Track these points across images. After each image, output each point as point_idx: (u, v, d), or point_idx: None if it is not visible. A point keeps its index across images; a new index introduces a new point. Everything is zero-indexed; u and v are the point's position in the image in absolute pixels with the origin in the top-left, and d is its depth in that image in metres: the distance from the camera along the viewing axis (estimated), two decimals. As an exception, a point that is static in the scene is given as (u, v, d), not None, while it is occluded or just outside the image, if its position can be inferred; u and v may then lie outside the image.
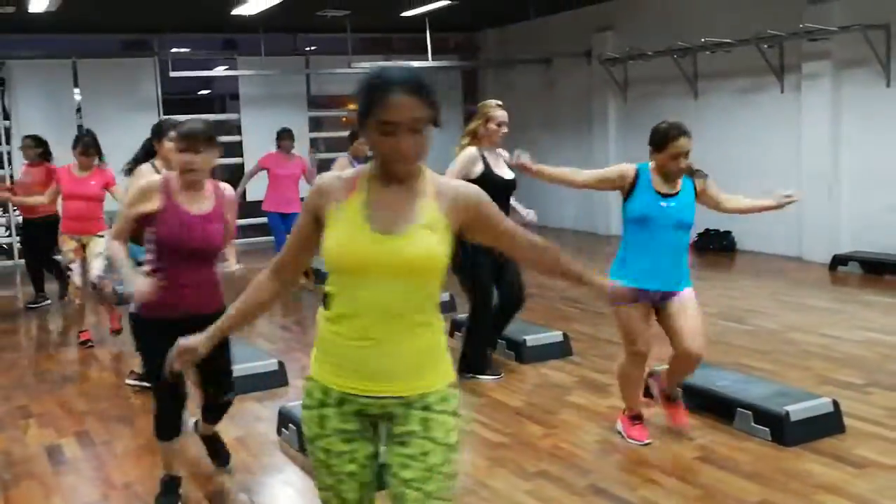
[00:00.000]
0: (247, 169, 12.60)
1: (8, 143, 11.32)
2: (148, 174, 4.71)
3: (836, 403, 4.41)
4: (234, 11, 10.19)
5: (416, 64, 12.34)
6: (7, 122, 11.33)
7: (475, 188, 2.26)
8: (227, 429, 4.84)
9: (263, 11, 10.25)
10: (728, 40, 9.39)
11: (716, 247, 10.16)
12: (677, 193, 4.12)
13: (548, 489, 3.89)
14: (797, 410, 4.27)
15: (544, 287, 8.04)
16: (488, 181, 5.19)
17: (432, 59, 12.15)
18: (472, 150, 5.45)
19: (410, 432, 2.16)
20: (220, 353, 3.46)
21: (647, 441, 4.31)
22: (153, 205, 3.57)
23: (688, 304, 4.14)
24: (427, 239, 2.12)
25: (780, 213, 9.30)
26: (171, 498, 3.81)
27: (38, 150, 8.20)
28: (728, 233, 10.19)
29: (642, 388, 4.54)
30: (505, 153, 5.48)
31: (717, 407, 4.60)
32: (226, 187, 3.83)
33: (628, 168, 4.20)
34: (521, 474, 4.06)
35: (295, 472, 4.24)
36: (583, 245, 11.30)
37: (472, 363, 5.54)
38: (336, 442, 2.21)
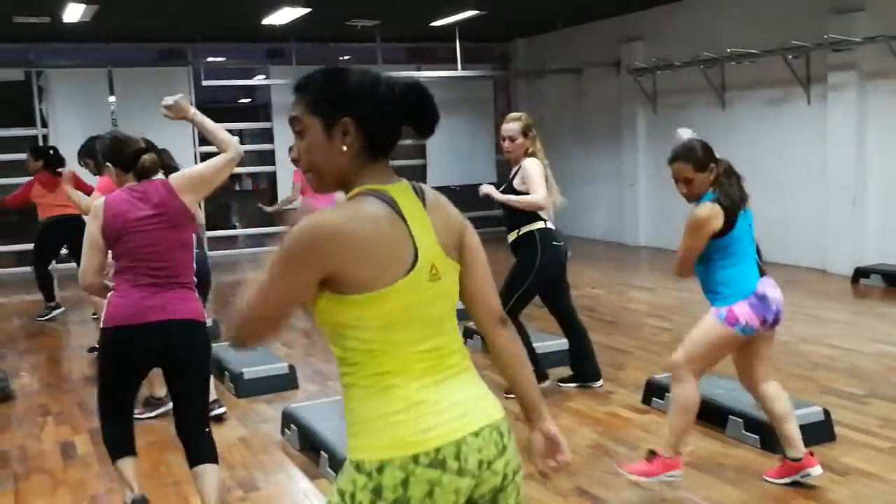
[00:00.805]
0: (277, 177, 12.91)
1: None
2: None
3: (826, 412, 4.42)
4: (265, 21, 10.46)
5: (446, 74, 12.54)
6: (45, 130, 11.69)
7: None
8: (233, 429, 5.03)
9: (294, 21, 10.49)
10: (753, 51, 9.38)
11: (740, 257, 10.09)
12: None
13: (533, 490, 3.95)
14: (788, 419, 4.29)
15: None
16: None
17: (462, 69, 12.26)
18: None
19: None
20: None
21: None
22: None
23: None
24: None
25: (803, 224, 9.39)
26: None
27: (38, 163, 8.31)
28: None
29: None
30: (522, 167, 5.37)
31: (711, 415, 4.62)
32: None
33: None
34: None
35: (294, 470, 4.37)
36: (613, 255, 11.32)
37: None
38: None
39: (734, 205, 3.80)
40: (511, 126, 5.38)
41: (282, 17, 10.24)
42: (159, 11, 9.95)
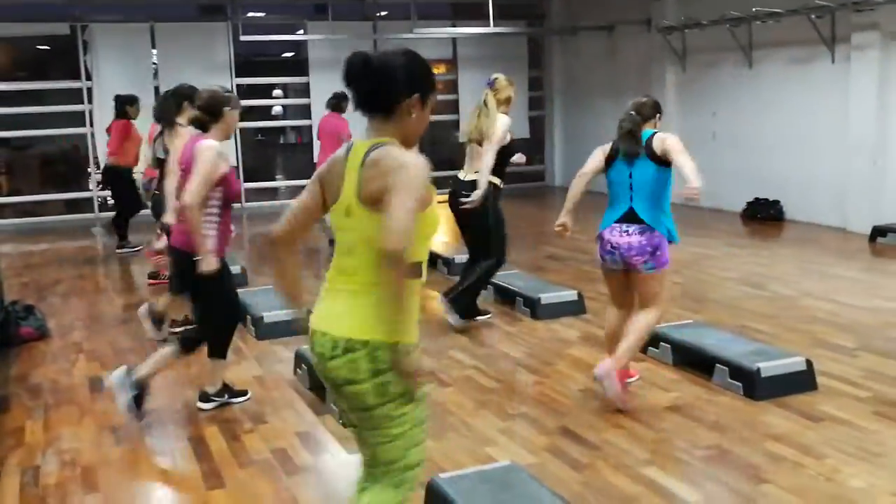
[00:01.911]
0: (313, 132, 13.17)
1: (90, 102, 12.08)
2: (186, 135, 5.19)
3: (809, 362, 4.60)
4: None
5: (478, 30, 12.63)
6: (89, 83, 12.08)
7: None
8: (249, 368, 5.36)
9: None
10: (778, 10, 9.35)
11: (764, 215, 10.17)
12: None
13: (520, 429, 4.24)
14: (768, 367, 4.49)
15: (578, 251, 8.30)
16: (513, 147, 5.89)
17: (494, 26, 12.33)
18: (508, 119, 5.82)
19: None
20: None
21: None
22: (225, 167, 4.38)
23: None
24: None
25: (825, 182, 9.42)
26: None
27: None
28: (776, 202, 10.18)
29: None
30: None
31: (700, 363, 4.85)
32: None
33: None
34: (501, 415, 4.42)
35: (301, 406, 4.67)
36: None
37: (472, 309, 6.02)
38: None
39: (612, 151, 4.54)
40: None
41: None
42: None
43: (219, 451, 4.13)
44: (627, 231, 4.42)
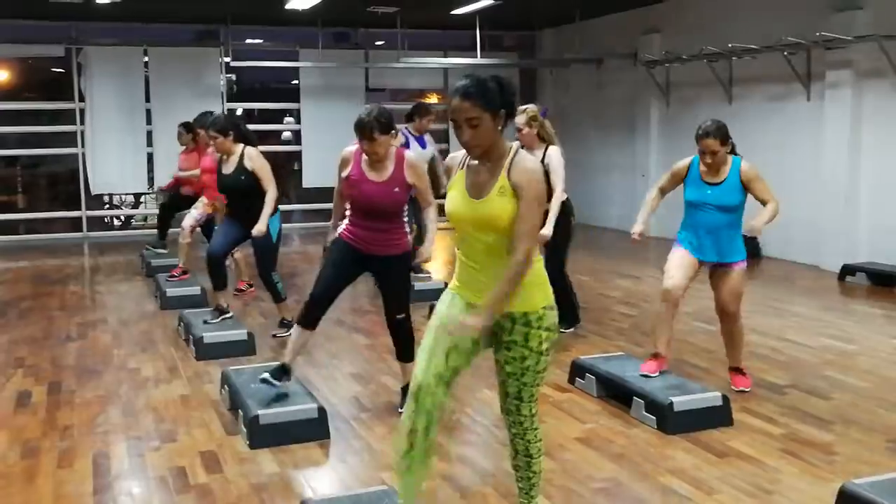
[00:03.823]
0: (303, 157, 13.29)
1: (82, 123, 12.26)
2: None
3: (725, 398, 4.55)
4: (288, 6, 10.79)
5: (465, 61, 12.72)
6: (82, 104, 12.26)
7: (535, 170, 2.93)
8: (179, 387, 5.36)
9: (317, 6, 10.81)
10: (753, 46, 9.36)
11: (741, 252, 10.08)
12: (721, 182, 4.88)
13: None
14: (682, 402, 4.44)
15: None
16: None
17: (482, 57, 12.43)
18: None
19: (513, 341, 2.97)
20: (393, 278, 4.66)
21: (649, 374, 4.84)
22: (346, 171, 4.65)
23: (731, 274, 4.95)
24: (498, 202, 2.86)
25: (799, 221, 9.37)
26: (279, 376, 4.62)
27: (189, 136, 9.07)
28: (754, 239, 10.06)
29: (666, 331, 5.03)
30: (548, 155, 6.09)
31: (621, 395, 4.81)
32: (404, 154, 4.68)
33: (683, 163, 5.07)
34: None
35: (216, 426, 4.67)
36: (626, 244, 11.37)
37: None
38: (455, 312, 3.01)
39: None
40: (518, 119, 5.96)
41: (303, 1, 10.57)
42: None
43: (118, 467, 4.12)
44: None
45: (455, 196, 3.01)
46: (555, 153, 6.08)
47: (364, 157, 4.55)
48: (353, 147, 4.67)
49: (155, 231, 10.42)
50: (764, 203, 4.87)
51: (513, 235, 2.85)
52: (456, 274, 3.13)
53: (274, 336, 6.50)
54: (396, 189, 4.55)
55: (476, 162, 2.96)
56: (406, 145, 7.86)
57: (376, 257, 4.59)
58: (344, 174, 4.66)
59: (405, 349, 4.75)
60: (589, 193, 13.36)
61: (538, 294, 2.97)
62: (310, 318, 4.66)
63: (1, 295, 8.49)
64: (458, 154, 3.08)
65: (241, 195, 6.25)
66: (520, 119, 5.99)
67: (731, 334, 5.09)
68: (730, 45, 9.67)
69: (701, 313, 7.06)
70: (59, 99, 12.83)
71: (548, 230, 5.85)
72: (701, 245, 4.92)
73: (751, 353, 5.91)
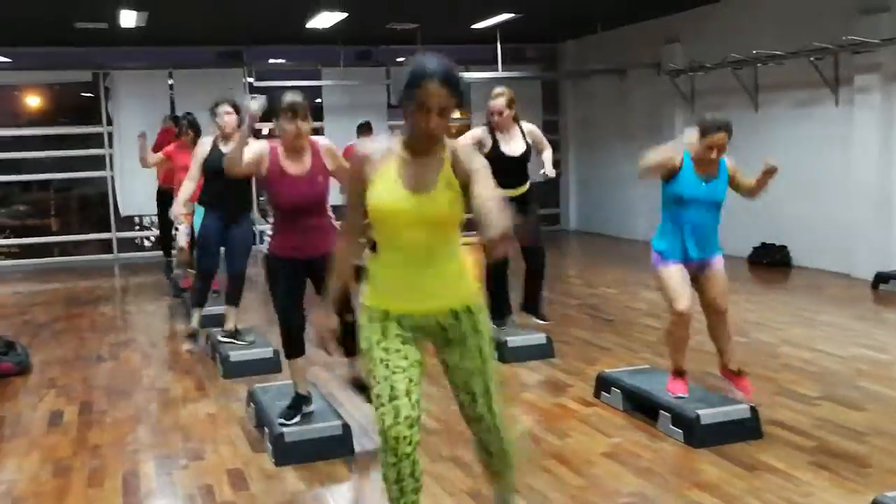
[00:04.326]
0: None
1: (111, 146, 12.43)
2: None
3: (753, 410, 4.49)
4: (308, 25, 10.90)
5: (486, 75, 12.73)
6: (110, 128, 12.44)
7: (472, 150, 2.85)
8: (206, 405, 5.41)
9: (337, 25, 10.91)
10: (779, 52, 9.29)
11: (770, 261, 10.00)
12: (715, 178, 4.71)
13: (447, 471, 4.20)
14: (709, 414, 4.39)
15: (569, 295, 8.24)
16: (495, 157, 5.87)
17: (503, 70, 12.44)
18: (476, 130, 6.27)
19: (465, 333, 2.88)
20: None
21: (683, 395, 4.68)
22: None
23: (715, 269, 4.79)
24: (447, 196, 2.71)
25: (830, 228, 9.23)
26: (293, 412, 4.52)
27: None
28: (783, 247, 10.01)
29: (685, 347, 4.90)
30: (528, 132, 6.28)
31: (647, 409, 4.76)
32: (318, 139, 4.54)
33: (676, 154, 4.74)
34: (433, 457, 4.37)
35: (242, 444, 4.69)
36: (647, 256, 11.29)
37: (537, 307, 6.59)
38: (395, 343, 2.84)
39: None
40: (499, 101, 6.12)
41: (323, 21, 10.67)
42: (208, 16, 10.51)
43: (147, 486, 4.16)
44: None
45: (387, 190, 2.74)
46: (531, 125, 6.40)
47: (281, 151, 4.36)
48: (263, 143, 4.48)
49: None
50: (750, 186, 4.81)
51: (482, 204, 2.57)
52: (377, 286, 2.89)
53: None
54: (320, 178, 4.41)
55: (407, 154, 2.76)
56: None
57: (315, 259, 4.31)
58: (262, 172, 4.39)
59: (352, 345, 4.43)
60: (614, 205, 13.34)
61: (472, 286, 2.93)
62: (295, 348, 4.58)
63: (35, 317, 8.61)
64: (373, 144, 2.86)
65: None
66: (499, 102, 6.07)
67: (722, 332, 4.93)
68: (754, 52, 9.60)
69: (733, 325, 6.98)
70: (88, 123, 13.00)
71: (550, 171, 6.19)
72: (685, 247, 4.71)
73: (781, 364, 5.86)
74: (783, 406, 4.92)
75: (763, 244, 10.21)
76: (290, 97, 4.31)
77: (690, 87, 11.35)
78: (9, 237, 14.55)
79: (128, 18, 9.93)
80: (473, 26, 11.65)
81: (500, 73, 12.38)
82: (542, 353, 6.18)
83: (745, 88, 10.27)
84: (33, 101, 14.87)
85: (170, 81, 12.69)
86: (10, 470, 4.44)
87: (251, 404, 5.03)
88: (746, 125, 10.43)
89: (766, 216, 10.21)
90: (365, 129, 10.64)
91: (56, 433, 4.99)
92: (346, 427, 4.47)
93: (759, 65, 9.77)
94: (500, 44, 12.24)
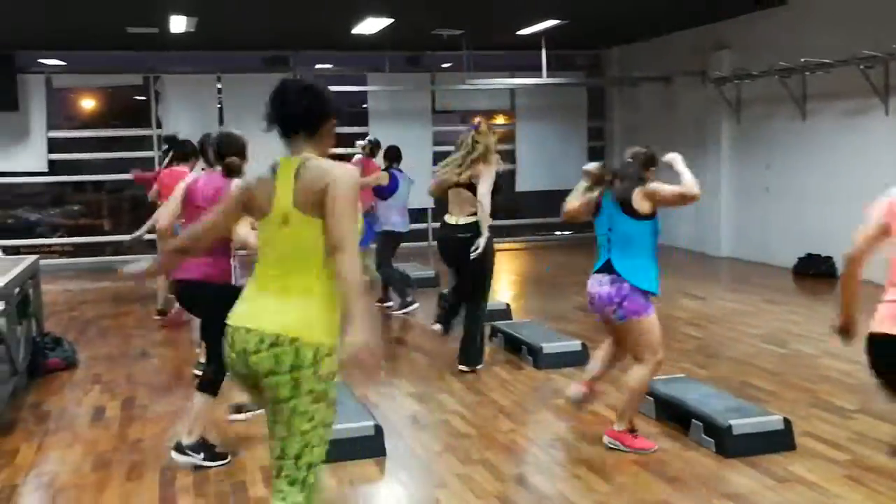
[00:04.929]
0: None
1: (160, 148, 12.68)
2: None
3: (787, 421, 4.45)
4: (354, 31, 11.02)
5: (531, 81, 12.75)
6: (160, 130, 12.70)
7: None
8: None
9: (383, 31, 11.02)
10: (827, 60, 9.17)
11: (815, 272, 9.85)
12: None
13: (478, 474, 4.23)
14: (742, 424, 4.36)
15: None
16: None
17: (548, 76, 12.44)
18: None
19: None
20: None
21: (656, 448, 4.46)
22: None
23: None
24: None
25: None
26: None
27: None
28: (829, 258, 9.86)
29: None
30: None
31: (680, 417, 4.75)
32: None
33: None
34: (464, 460, 4.42)
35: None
36: (691, 265, 11.21)
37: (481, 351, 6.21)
38: None
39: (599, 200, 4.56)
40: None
41: (369, 26, 10.78)
42: (255, 22, 10.68)
43: (183, 480, 4.26)
44: (601, 282, 4.46)
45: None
46: None
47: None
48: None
49: None
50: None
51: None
52: (241, 302, 2.82)
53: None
54: None
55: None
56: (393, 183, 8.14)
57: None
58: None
59: None
60: (660, 213, 13.23)
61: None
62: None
63: (83, 314, 8.83)
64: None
65: None
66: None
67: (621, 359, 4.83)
68: (802, 60, 9.49)
69: (772, 336, 6.94)
70: (139, 126, 13.31)
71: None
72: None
73: (820, 375, 5.79)
74: (819, 418, 4.87)
75: (808, 255, 10.06)
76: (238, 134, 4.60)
77: (736, 95, 11.24)
78: (62, 236, 14.94)
79: (178, 24, 10.14)
80: (519, 32, 11.67)
81: (544, 80, 12.40)
82: (578, 359, 6.17)
83: (793, 97, 10.14)
84: (88, 103, 15.24)
85: (218, 86, 12.90)
86: (53, 462, 4.58)
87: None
88: (794, 134, 10.36)
89: (812, 226, 10.09)
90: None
91: (98, 427, 5.13)
92: (377, 428, 4.53)
93: (806, 73, 9.64)
94: (546, 50, 12.24)
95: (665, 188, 4.45)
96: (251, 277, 2.81)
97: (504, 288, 9.94)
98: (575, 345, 6.29)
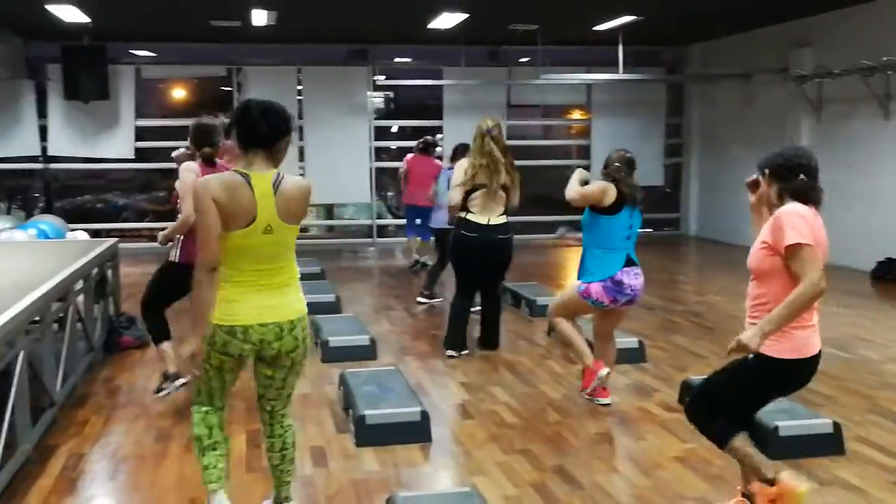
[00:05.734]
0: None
1: (241, 138, 13.07)
2: None
3: (836, 425, 4.39)
4: (430, 25, 11.15)
5: (607, 77, 12.67)
6: (242, 121, 13.07)
7: None
8: (300, 387, 5.68)
9: (459, 25, 11.12)
10: (911, 59, 8.89)
11: (893, 277, 9.56)
12: None
13: (518, 463, 4.30)
14: (789, 426, 4.32)
15: (673, 301, 8.16)
16: None
17: (625, 72, 12.34)
18: None
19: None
20: None
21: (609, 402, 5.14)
22: None
23: None
24: None
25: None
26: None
27: None
28: (891, 261, 9.56)
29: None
30: None
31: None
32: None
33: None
34: (506, 449, 4.49)
35: (328, 424, 4.94)
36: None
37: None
38: None
39: (627, 194, 5.00)
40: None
41: (445, 21, 10.89)
42: (335, 15, 10.92)
43: (237, 455, 4.44)
44: (636, 273, 4.99)
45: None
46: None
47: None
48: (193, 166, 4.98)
49: None
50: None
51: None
52: (235, 304, 3.20)
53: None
54: None
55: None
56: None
57: None
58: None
59: None
60: (733, 212, 12.99)
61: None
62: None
63: (159, 295, 9.16)
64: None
65: None
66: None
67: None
68: (884, 59, 9.21)
69: (838, 340, 6.78)
70: (225, 116, 13.74)
71: None
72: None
73: (882, 382, 5.67)
74: (874, 424, 4.78)
75: (888, 259, 9.77)
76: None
77: (817, 93, 10.96)
78: (151, 221, 15.52)
79: (259, 17, 10.43)
80: (595, 28, 11.62)
81: (621, 76, 12.31)
82: (634, 357, 6.17)
83: (876, 96, 9.85)
84: (176, 93, 15.78)
85: (298, 77, 13.20)
86: (118, 433, 4.83)
87: (341, 387, 5.28)
88: (876, 134, 10.06)
89: (892, 229, 9.79)
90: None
91: (162, 402, 5.36)
92: (424, 414, 4.63)
93: (889, 72, 9.35)
94: (623, 46, 12.15)
95: None
96: (224, 280, 3.16)
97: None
98: (632, 342, 6.28)
